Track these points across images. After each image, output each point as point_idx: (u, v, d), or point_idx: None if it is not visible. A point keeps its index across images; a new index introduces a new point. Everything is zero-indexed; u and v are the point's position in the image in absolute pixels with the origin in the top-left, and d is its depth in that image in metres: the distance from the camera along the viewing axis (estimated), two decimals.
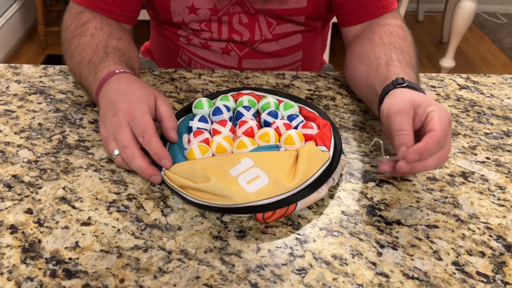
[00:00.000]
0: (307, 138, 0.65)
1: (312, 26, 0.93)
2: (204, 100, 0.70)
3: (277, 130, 0.65)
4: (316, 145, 0.63)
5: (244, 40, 0.90)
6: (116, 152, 0.62)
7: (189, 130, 0.67)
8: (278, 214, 0.57)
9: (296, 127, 0.67)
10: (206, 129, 0.66)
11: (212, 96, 0.73)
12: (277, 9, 0.86)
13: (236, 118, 0.69)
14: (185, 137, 0.66)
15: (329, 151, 0.62)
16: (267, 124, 0.68)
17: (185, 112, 0.71)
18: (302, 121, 0.68)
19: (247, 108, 0.69)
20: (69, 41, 0.78)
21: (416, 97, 0.62)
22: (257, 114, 0.70)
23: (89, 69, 0.71)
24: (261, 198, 0.55)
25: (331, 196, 0.62)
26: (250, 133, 0.65)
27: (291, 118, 0.68)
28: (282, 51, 0.93)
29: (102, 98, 0.66)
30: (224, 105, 0.69)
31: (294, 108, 0.70)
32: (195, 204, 0.58)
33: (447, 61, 2.49)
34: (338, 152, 0.62)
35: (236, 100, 0.72)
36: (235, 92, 0.74)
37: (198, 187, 0.57)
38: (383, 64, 0.72)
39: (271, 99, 0.71)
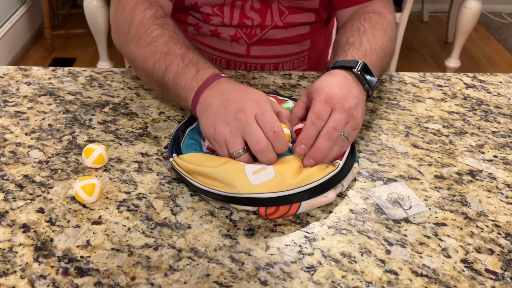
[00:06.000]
0: None
1: (321, 17, 0.96)
2: None
3: (297, 132, 0.64)
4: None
5: (254, 24, 0.91)
6: (242, 151, 0.60)
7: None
8: (280, 212, 0.57)
9: None
10: None
11: None
12: None
13: None
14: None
15: (341, 161, 0.62)
16: None
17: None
18: None
19: None
20: (147, 26, 0.75)
21: (318, 83, 0.66)
22: None
23: (185, 64, 0.69)
24: (263, 191, 0.56)
25: (339, 195, 0.62)
26: None
27: None
28: (290, 38, 0.95)
29: (212, 97, 0.64)
30: None
31: None
32: (199, 190, 0.59)
33: (453, 61, 2.49)
34: (350, 163, 0.62)
35: None
36: None
37: (205, 171, 0.58)
38: (339, 48, 0.77)
39: (291, 104, 0.71)
